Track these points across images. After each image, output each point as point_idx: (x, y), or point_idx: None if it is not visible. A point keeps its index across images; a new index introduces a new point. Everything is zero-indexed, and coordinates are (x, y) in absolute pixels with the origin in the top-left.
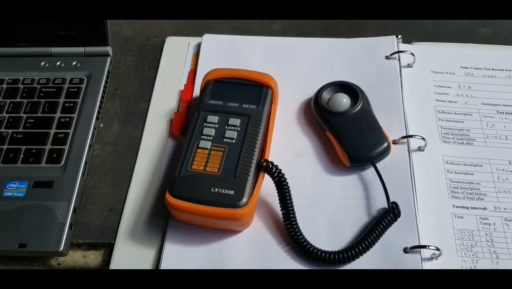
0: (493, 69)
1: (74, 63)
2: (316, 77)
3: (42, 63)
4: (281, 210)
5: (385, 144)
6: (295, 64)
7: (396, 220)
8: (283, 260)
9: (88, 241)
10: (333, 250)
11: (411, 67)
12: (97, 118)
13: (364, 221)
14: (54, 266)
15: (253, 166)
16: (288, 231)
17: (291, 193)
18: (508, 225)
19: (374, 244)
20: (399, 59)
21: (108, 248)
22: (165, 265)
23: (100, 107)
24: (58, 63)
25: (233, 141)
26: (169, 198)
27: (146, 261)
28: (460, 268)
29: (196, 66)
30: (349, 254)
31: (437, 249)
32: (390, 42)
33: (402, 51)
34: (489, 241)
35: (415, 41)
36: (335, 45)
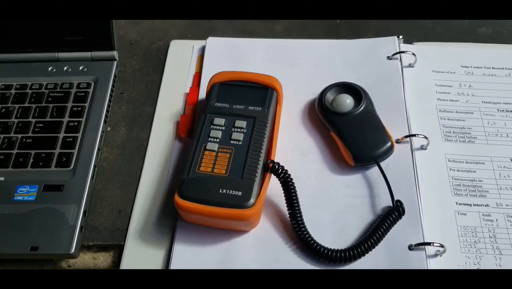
0: (493, 68)
1: (81, 68)
2: (319, 78)
3: (50, 68)
4: (288, 210)
5: (389, 143)
6: (298, 66)
7: (400, 217)
8: (290, 258)
9: (98, 243)
10: (340, 248)
11: (413, 67)
12: (105, 122)
13: (369, 219)
14: (64, 268)
15: (260, 167)
16: (295, 230)
17: (297, 192)
18: (511, 221)
19: (379, 242)
20: (400, 60)
21: (118, 250)
22: (174, 265)
23: (107, 111)
24: (65, 68)
25: (240, 143)
26: (178, 199)
27: (155, 262)
28: (464, 264)
29: (201, 69)
30: (356, 252)
31: (441, 245)
32: (392, 43)
33: (403, 52)
34: (492, 237)
35: (416, 41)
36: (337, 47)
